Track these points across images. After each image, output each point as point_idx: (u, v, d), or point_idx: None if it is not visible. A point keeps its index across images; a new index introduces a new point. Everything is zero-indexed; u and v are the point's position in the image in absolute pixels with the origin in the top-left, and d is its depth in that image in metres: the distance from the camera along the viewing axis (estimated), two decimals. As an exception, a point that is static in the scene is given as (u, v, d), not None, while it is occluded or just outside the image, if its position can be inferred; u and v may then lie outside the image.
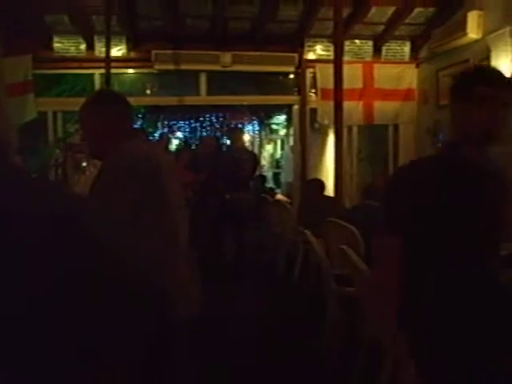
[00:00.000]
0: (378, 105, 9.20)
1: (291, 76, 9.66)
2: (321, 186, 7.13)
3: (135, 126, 2.45)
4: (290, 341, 4.87)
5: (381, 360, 3.36)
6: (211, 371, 3.79)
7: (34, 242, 0.56)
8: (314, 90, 9.36)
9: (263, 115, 13.77)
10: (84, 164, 8.64)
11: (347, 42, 8.65)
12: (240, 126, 13.77)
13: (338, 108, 6.89)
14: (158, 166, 2.25)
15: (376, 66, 9.21)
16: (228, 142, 11.68)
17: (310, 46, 9.15)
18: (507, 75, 6.54)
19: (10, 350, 0.53)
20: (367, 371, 3.59)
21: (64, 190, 0.68)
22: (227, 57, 8.87)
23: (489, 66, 5.85)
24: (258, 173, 13.08)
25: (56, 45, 8.60)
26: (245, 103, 10.66)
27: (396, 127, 9.71)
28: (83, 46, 8.68)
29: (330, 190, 7.65)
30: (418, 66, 9.31)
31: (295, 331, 5.11)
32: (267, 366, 4.35)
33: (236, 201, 7.51)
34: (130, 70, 9.32)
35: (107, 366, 0.60)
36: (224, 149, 9.76)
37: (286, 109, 11.16)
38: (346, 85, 7.11)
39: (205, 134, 13.13)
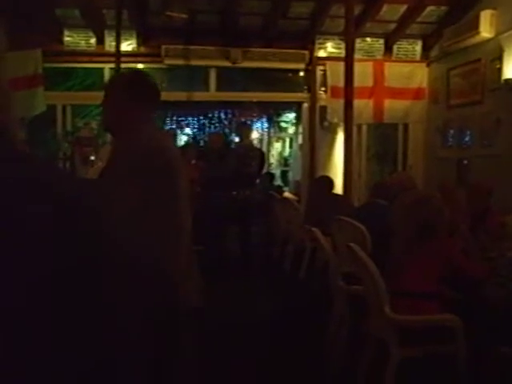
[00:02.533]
0: (388, 103, 9.16)
1: (301, 73, 9.63)
2: (329, 183, 7.08)
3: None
4: (295, 338, 4.84)
5: (386, 358, 3.33)
6: (216, 364, 3.77)
7: (35, 226, 0.54)
8: (323, 88, 9.33)
9: (272, 112, 13.73)
10: (92, 158, 8.64)
11: (358, 40, 8.59)
12: (249, 122, 13.76)
13: (348, 106, 6.85)
14: (172, 157, 2.24)
15: (387, 64, 9.16)
16: (236, 138, 11.70)
17: (320, 44, 9.11)
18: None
19: (10, 335, 0.51)
20: (372, 369, 3.56)
21: (72, 176, 0.66)
22: (237, 53, 8.84)
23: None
24: (265, 170, 13.10)
25: (66, 39, 8.60)
26: (254, 100, 10.62)
27: (406, 126, 9.67)
28: (93, 40, 8.68)
29: (338, 189, 7.62)
30: (428, 64, 9.25)
31: (301, 328, 5.08)
32: (272, 361, 4.33)
33: (242, 198, 7.49)
34: (140, 65, 9.29)
35: (111, 351, 0.58)
36: (232, 145, 9.75)
37: (296, 106, 11.12)
38: (356, 83, 7.07)
39: (213, 130, 13.12)
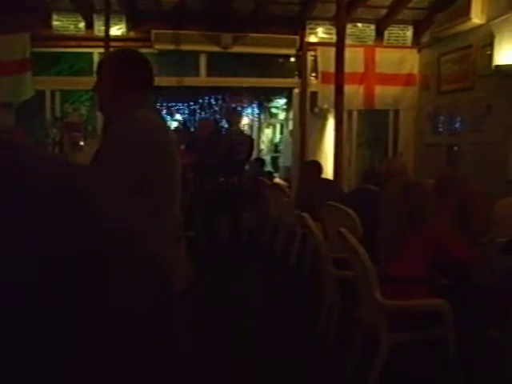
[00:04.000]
0: (378, 89, 9.15)
1: (292, 59, 9.59)
2: (318, 167, 7.08)
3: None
4: (286, 323, 4.86)
5: (376, 343, 3.35)
6: (206, 351, 3.77)
7: (43, 213, 0.53)
8: (314, 74, 9.30)
9: (263, 98, 13.69)
10: (81, 143, 8.59)
11: (349, 26, 8.55)
12: (239, 108, 13.71)
13: (339, 92, 6.84)
14: (165, 139, 2.23)
15: (378, 50, 9.15)
16: (226, 124, 11.65)
17: (311, 29, 9.07)
18: (511, 61, 6.53)
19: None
20: (363, 355, 3.58)
21: (67, 162, 0.65)
22: (228, 38, 8.79)
23: None
24: (256, 156, 13.08)
25: (55, 23, 8.50)
26: (245, 85, 10.58)
27: (396, 112, 9.66)
28: (82, 25, 8.59)
29: (329, 175, 7.62)
30: (419, 50, 9.25)
31: (292, 314, 5.10)
32: (263, 347, 4.35)
33: (231, 184, 7.49)
34: (130, 50, 9.23)
35: (107, 342, 0.57)
36: (222, 131, 9.71)
37: (286, 92, 11.09)
38: (347, 68, 7.05)
39: (203, 115, 13.06)
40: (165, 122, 2.66)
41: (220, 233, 7.67)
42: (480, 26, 7.42)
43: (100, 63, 2.39)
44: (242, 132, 8.54)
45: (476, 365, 3.24)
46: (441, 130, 8.61)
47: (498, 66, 6.83)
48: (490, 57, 7.02)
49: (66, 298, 0.52)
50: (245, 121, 14.90)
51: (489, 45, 7.10)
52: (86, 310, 0.53)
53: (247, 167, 11.26)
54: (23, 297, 0.50)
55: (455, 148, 8.15)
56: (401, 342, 3.33)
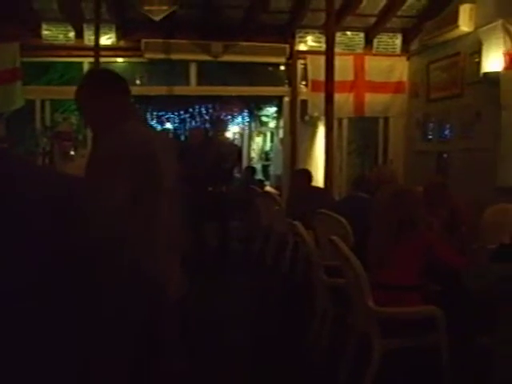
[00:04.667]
0: (368, 97, 9.19)
1: (282, 67, 9.62)
2: (308, 175, 7.10)
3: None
4: (278, 331, 4.85)
5: (369, 351, 3.35)
6: (198, 358, 3.76)
7: (34, 222, 0.53)
8: (304, 82, 9.33)
9: (253, 107, 13.71)
10: (72, 152, 8.56)
11: (338, 34, 8.59)
12: (230, 117, 13.72)
13: (329, 100, 6.87)
14: (155, 150, 2.22)
15: (367, 58, 9.19)
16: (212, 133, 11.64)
17: (301, 37, 9.10)
18: (499, 68, 6.58)
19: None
20: (355, 362, 3.58)
21: (61, 174, 0.65)
22: (218, 47, 8.80)
23: None
24: (246, 164, 13.08)
25: (44, 32, 8.49)
26: (235, 94, 10.60)
27: (386, 120, 9.70)
28: (72, 34, 8.58)
29: (319, 182, 7.63)
30: (408, 58, 9.30)
31: (284, 321, 5.09)
32: (256, 354, 4.34)
33: (218, 193, 7.48)
34: (120, 59, 9.23)
35: (97, 350, 0.57)
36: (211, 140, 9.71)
37: (277, 100, 11.12)
38: (336, 77, 7.09)
39: (194, 124, 13.05)
40: (154, 132, 2.65)
41: (208, 242, 7.64)
42: (468, 34, 7.48)
43: (75, 98, 2.39)
44: (228, 141, 8.56)
45: (467, 371, 3.25)
46: (430, 137, 8.64)
47: (486, 74, 6.88)
48: (478, 64, 7.07)
49: (53, 304, 0.52)
50: (235, 129, 14.93)
51: (477, 52, 7.15)
52: (76, 316, 0.53)
53: (238, 175, 11.26)
54: (10, 304, 0.50)
55: (445, 155, 8.19)
56: (393, 348, 3.34)
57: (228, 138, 8.80)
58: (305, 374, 4.02)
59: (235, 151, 7.97)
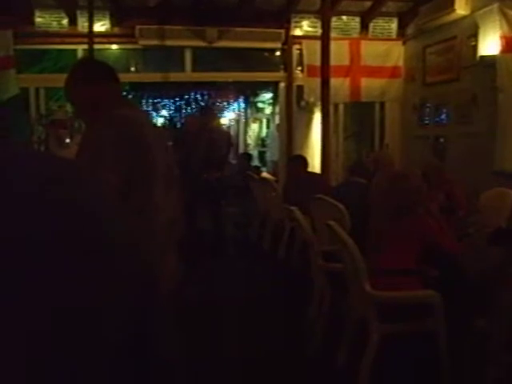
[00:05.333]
0: (364, 82, 9.16)
1: (277, 53, 9.57)
2: (304, 162, 7.09)
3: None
4: (275, 317, 4.86)
5: (366, 336, 3.36)
6: (196, 346, 3.77)
7: (20, 204, 0.52)
8: (300, 67, 9.29)
9: (249, 93, 13.67)
10: (67, 140, 8.52)
11: (334, 19, 8.55)
12: (224, 103, 13.69)
13: (325, 85, 6.84)
14: (147, 137, 2.21)
15: (363, 42, 9.15)
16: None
17: (296, 22, 9.05)
18: (495, 52, 6.56)
19: None
20: (353, 347, 3.59)
21: (52, 155, 0.64)
22: (213, 32, 8.75)
23: None
24: (243, 151, 13.06)
25: (38, 19, 8.42)
26: (230, 80, 10.55)
27: (382, 105, 9.68)
28: (65, 21, 8.51)
29: (316, 168, 7.63)
30: (404, 42, 9.26)
31: (282, 307, 5.10)
32: (253, 340, 4.34)
33: (212, 181, 7.47)
34: (114, 46, 9.17)
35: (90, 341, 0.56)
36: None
37: (272, 86, 11.07)
38: (332, 61, 7.06)
39: (190, 111, 13.02)
40: (147, 118, 2.63)
41: (202, 227, 7.62)
42: (464, 17, 7.44)
43: (64, 89, 2.38)
44: (219, 128, 8.55)
45: (465, 354, 3.26)
46: (427, 121, 8.63)
47: (482, 57, 6.86)
48: (475, 48, 7.04)
49: (52, 290, 0.51)
50: (230, 116, 14.91)
51: (473, 36, 7.12)
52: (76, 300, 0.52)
53: (234, 162, 11.24)
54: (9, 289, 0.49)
55: (441, 139, 8.18)
56: (391, 333, 3.34)
57: (220, 125, 8.75)
58: (302, 358, 4.03)
59: (226, 137, 7.96)
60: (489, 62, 6.74)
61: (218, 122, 8.77)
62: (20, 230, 0.53)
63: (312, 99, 8.92)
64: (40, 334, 0.51)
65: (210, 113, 8.06)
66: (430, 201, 4.32)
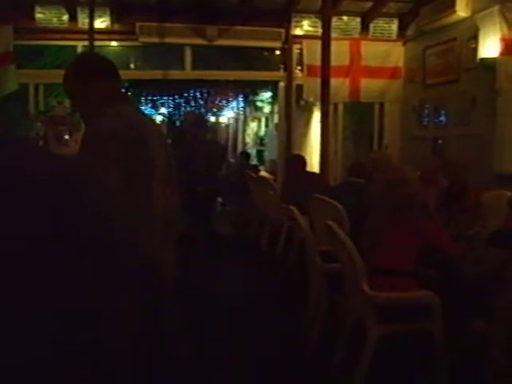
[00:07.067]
0: (364, 82, 9.16)
1: (277, 52, 9.56)
2: (302, 161, 7.09)
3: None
4: (273, 316, 4.86)
5: (364, 336, 3.35)
6: (194, 342, 3.77)
7: (32, 201, 0.52)
8: (300, 67, 9.28)
9: (248, 91, 13.66)
10: (66, 137, 8.51)
11: (335, 19, 8.54)
12: (224, 102, 13.67)
13: (325, 85, 6.84)
14: (145, 134, 2.19)
15: (363, 43, 9.14)
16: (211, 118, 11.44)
17: (297, 22, 9.04)
18: (495, 54, 6.56)
19: None
20: (350, 347, 3.59)
21: (55, 154, 0.64)
22: (213, 31, 8.74)
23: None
24: (241, 150, 13.05)
25: (38, 15, 8.41)
26: (230, 78, 10.54)
27: (382, 105, 9.68)
28: (66, 17, 8.49)
29: (315, 167, 7.62)
30: (405, 43, 9.26)
31: (279, 306, 5.10)
32: (251, 339, 4.34)
33: (207, 190, 7.47)
34: (114, 43, 9.15)
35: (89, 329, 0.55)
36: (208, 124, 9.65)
37: (272, 85, 11.06)
38: (332, 62, 7.07)
39: (189, 109, 13.00)
40: (145, 115, 2.61)
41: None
42: (465, 19, 7.44)
43: (63, 83, 2.36)
44: (216, 141, 8.58)
45: (463, 355, 3.26)
46: (426, 122, 8.64)
47: (482, 59, 6.86)
48: (475, 50, 7.05)
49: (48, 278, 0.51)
50: (230, 114, 14.90)
51: (473, 38, 7.12)
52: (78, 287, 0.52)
53: (232, 161, 11.22)
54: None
55: (440, 141, 8.18)
56: (388, 333, 3.34)
57: (215, 137, 8.75)
58: (299, 358, 4.03)
59: (222, 150, 8.00)
60: (489, 64, 6.74)
61: (214, 134, 8.77)
62: (24, 226, 0.52)
63: (311, 99, 8.92)
64: (40, 329, 0.51)
65: (202, 123, 8.03)
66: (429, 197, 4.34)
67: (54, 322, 0.52)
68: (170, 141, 7.84)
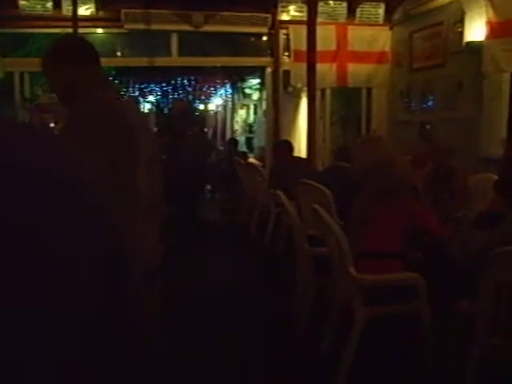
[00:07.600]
0: (351, 67, 9.15)
1: (264, 37, 9.53)
2: (289, 146, 7.08)
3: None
4: (261, 301, 4.87)
5: (351, 319, 3.37)
6: (182, 329, 3.78)
7: (8, 192, 0.51)
8: (287, 53, 9.25)
9: (236, 78, 13.62)
10: (51, 125, 8.46)
11: (321, 3, 8.51)
12: (212, 89, 13.63)
13: (311, 70, 6.82)
14: (129, 120, 2.18)
15: (350, 27, 9.12)
16: (200, 105, 11.42)
17: (283, 7, 9.00)
18: (481, 38, 6.57)
19: None
20: (338, 330, 3.61)
21: (41, 139, 0.63)
22: (199, 17, 8.69)
23: None
24: (230, 137, 13.03)
25: (22, 2, 8.31)
26: (217, 65, 10.50)
27: (369, 90, 9.68)
28: (50, 4, 8.40)
29: (303, 153, 7.62)
30: (391, 28, 9.24)
31: (267, 291, 5.11)
32: (239, 324, 4.36)
33: (191, 180, 7.48)
34: (99, 30, 9.08)
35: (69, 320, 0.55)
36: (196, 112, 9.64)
37: (260, 72, 11.04)
38: (319, 47, 7.04)
39: (176, 97, 12.96)
40: (128, 102, 2.59)
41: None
42: (451, 3, 7.44)
43: (42, 64, 2.33)
44: (203, 135, 8.59)
45: (449, 336, 3.29)
46: (413, 107, 8.65)
47: (468, 43, 6.87)
48: (461, 34, 7.05)
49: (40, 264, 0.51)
50: (218, 102, 14.86)
51: (459, 21, 7.12)
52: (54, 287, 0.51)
53: (221, 148, 11.20)
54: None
55: (427, 125, 8.20)
56: (375, 315, 3.36)
57: (202, 132, 8.74)
58: (288, 342, 4.05)
59: (208, 144, 8.04)
60: (475, 47, 6.75)
61: (203, 122, 8.78)
62: (9, 213, 0.52)
63: (299, 84, 8.90)
64: (37, 322, 0.50)
65: (189, 117, 8.04)
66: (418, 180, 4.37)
67: (50, 315, 0.52)
68: (156, 129, 7.83)
